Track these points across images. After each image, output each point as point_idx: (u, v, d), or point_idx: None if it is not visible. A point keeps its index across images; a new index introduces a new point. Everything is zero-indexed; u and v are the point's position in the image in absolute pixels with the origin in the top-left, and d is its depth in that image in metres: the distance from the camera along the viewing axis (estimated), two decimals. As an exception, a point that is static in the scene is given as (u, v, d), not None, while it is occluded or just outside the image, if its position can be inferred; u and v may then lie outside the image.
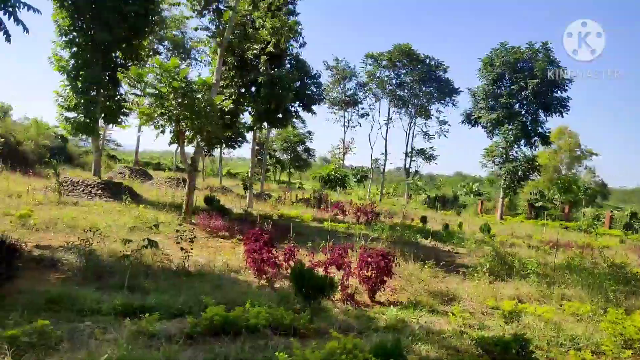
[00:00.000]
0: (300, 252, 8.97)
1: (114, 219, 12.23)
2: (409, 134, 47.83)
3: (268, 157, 60.31)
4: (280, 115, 23.30)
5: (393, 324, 6.19)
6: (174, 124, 14.20)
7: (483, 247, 15.25)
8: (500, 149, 35.57)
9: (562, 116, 34.84)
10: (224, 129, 19.42)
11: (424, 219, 22.26)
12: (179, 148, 15.54)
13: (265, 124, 25.45)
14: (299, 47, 24.77)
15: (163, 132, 14.62)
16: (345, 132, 49.24)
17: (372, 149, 51.54)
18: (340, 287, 7.27)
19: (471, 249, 14.48)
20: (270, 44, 19.90)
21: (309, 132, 60.87)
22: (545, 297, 8.81)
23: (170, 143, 16.20)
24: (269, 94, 21.19)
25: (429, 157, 45.89)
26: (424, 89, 46.50)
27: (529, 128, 35.60)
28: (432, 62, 45.91)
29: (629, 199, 71.78)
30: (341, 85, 48.04)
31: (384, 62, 46.29)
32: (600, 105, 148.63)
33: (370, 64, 46.92)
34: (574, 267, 10.87)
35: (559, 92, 34.87)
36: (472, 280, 9.65)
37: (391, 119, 48.46)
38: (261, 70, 21.33)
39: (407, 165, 46.61)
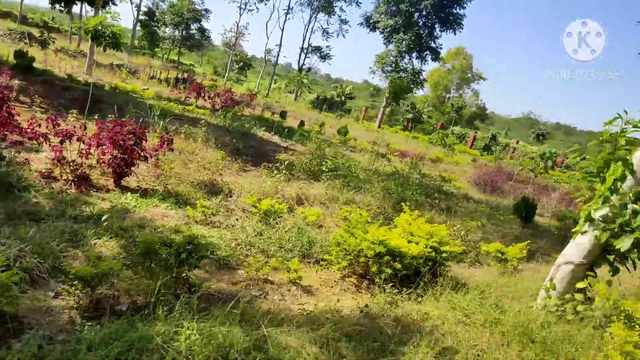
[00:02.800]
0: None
1: None
2: (307, 29, 45.38)
3: (156, 30, 54.76)
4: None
5: (102, 212, 5.16)
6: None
7: (323, 147, 14.83)
8: (392, 57, 35.09)
9: (455, 33, 34.78)
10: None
11: (283, 114, 21.34)
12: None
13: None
14: None
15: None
16: (240, 15, 45.28)
17: (267, 38, 48.75)
18: (68, 165, 6.02)
19: (309, 148, 13.86)
20: None
21: (206, 10, 55.61)
22: (333, 200, 8.38)
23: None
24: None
25: (325, 56, 44.28)
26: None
27: (423, 41, 35.28)
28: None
29: (511, 126, 77.61)
30: (241, -39, 43.15)
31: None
32: (494, 31, 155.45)
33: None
34: (380, 173, 10.68)
35: (457, 8, 34.48)
36: (270, 176, 8.92)
37: (292, 8, 45.29)
38: None
39: (301, 62, 44.79)
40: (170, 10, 53.70)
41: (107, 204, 5.74)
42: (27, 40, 24.68)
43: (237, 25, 44.53)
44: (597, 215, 4.50)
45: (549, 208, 13.24)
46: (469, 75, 59.45)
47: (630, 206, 4.22)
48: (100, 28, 13.14)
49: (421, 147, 28.12)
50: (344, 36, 50.65)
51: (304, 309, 3.91)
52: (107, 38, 12.99)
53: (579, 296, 4.67)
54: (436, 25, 34.82)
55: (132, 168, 6.56)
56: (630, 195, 4.25)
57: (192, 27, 55.21)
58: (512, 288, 5.59)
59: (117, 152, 6.32)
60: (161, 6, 55.60)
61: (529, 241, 7.33)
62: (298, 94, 43.60)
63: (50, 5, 21.68)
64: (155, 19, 54.28)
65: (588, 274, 4.73)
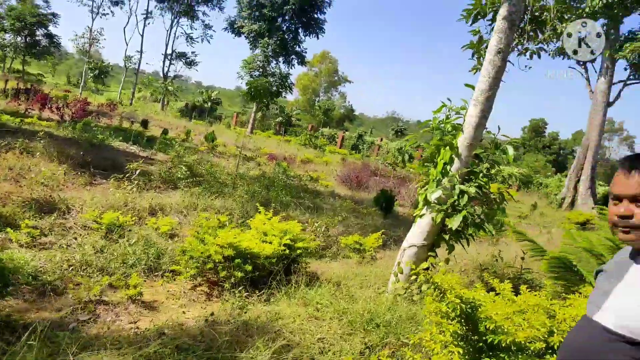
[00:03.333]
0: None
1: None
2: (170, 34, 43.49)
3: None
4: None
5: None
6: None
7: (187, 154, 14.19)
8: (259, 62, 35.11)
9: (318, 38, 36.03)
10: None
11: (144, 123, 20.13)
12: None
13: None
14: None
15: None
16: (93, 20, 41.71)
17: (127, 45, 45.51)
18: None
19: (170, 156, 13.12)
20: None
21: (54, 15, 50.25)
22: (192, 207, 7.95)
23: None
24: None
25: (190, 63, 42.80)
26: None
27: (288, 45, 35.91)
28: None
29: (378, 125, 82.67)
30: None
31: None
32: (358, 36, 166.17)
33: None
34: (247, 177, 10.50)
35: (318, 13, 35.74)
36: (118, 187, 8.16)
37: (151, 13, 43.04)
38: None
39: (166, 69, 42.75)
40: (9, 15, 47.53)
41: None
42: None
43: (90, 31, 40.91)
44: (432, 198, 4.78)
45: (408, 198, 14.19)
46: (336, 78, 62.02)
47: (457, 187, 4.54)
48: None
49: (293, 150, 28.57)
50: (208, 42, 49.41)
51: (137, 327, 3.52)
52: None
53: (422, 276, 4.92)
54: (299, 30, 35.75)
55: None
56: (457, 176, 4.58)
57: (38, 33, 49.51)
58: (368, 276, 5.74)
59: None
60: (-3, 10, 49.08)
61: (383, 230, 7.67)
62: (165, 102, 41.54)
63: None
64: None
65: (429, 255, 5.02)
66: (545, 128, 66.03)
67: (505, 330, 2.02)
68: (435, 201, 4.77)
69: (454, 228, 4.51)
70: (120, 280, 4.35)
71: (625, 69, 18.88)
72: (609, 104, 20.02)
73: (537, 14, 4.91)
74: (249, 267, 4.47)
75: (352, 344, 3.55)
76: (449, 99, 4.67)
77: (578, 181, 22.21)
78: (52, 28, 50.30)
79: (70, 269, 4.60)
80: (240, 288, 4.41)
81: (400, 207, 13.15)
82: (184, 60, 42.99)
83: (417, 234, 5.08)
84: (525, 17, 4.84)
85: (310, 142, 27.14)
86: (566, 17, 4.92)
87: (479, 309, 2.15)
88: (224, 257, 4.48)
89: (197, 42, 43.50)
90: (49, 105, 18.00)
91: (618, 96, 20.41)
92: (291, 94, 36.73)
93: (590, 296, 1.59)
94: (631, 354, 1.33)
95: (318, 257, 6.97)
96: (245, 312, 4.06)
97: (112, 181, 8.48)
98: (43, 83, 44.11)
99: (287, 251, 5.00)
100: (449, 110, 4.73)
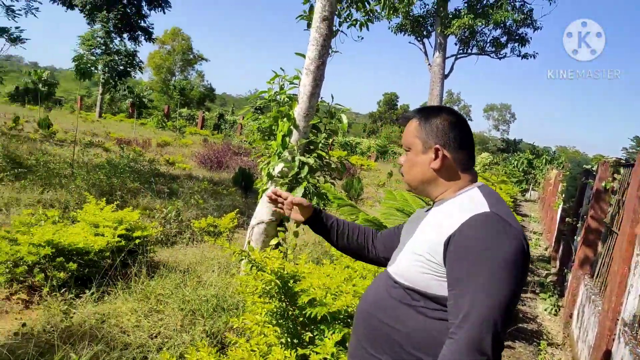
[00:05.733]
0: None
1: None
2: (-14, 6, 37.23)
3: None
4: None
5: None
6: None
7: (15, 145, 12.37)
8: (99, 39, 31.79)
9: (164, 12, 33.74)
10: None
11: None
12: None
13: None
14: None
15: None
16: None
17: None
18: None
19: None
20: None
21: None
22: (12, 203, 6.87)
23: None
24: None
25: (15, 39, 37.11)
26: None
27: (132, 20, 33.06)
28: None
29: (241, 104, 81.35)
30: None
31: None
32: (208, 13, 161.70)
33: None
34: (90, 165, 9.47)
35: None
36: None
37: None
38: None
39: (-15, 47, 36.62)
40: None
41: None
42: None
43: None
44: (275, 171, 4.69)
45: (269, 175, 14.13)
46: (191, 57, 59.20)
47: (297, 158, 4.50)
48: None
49: (149, 133, 26.77)
50: (34, 15, 43.48)
51: None
52: None
53: (274, 252, 4.86)
54: (142, 3, 33.08)
55: None
56: (296, 148, 4.54)
57: None
58: (220, 260, 5.52)
59: None
60: None
61: (240, 209, 7.48)
62: (-13, 86, 35.63)
63: None
64: None
65: (279, 230, 4.96)
66: (398, 101, 71.33)
67: (323, 302, 1.98)
68: (279, 174, 4.69)
69: (297, 200, 4.47)
70: None
71: (456, 44, 20.97)
72: (444, 77, 22.16)
73: (363, -16, 5.00)
74: (73, 266, 3.95)
75: (193, 334, 3.33)
76: (282, 69, 4.57)
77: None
78: None
79: None
80: (63, 290, 3.88)
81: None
82: (7, 37, 37.12)
83: (264, 209, 4.97)
84: (353, -14, 4.91)
85: (162, 124, 25.57)
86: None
87: (297, 283, 2.07)
88: (42, 257, 3.88)
89: (20, 14, 37.86)
90: None
91: (452, 69, 22.68)
92: (141, 73, 34.13)
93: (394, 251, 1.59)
94: (407, 300, 1.35)
95: (169, 245, 6.55)
96: (71, 317, 3.58)
97: None
98: None
99: (123, 242, 4.54)
100: (281, 80, 4.63)
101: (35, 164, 9.62)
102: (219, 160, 16.37)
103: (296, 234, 4.95)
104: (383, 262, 1.76)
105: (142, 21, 33.30)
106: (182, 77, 57.11)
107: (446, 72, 23.06)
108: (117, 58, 31.50)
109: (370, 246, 1.80)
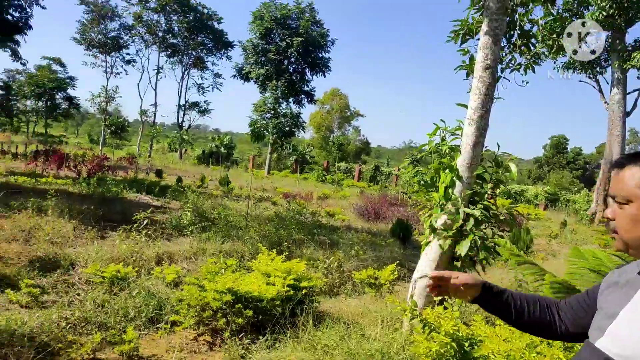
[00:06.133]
0: None
1: None
2: (182, 86, 44.81)
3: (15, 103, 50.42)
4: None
5: None
6: None
7: (202, 201, 14.22)
8: (269, 105, 35.71)
9: (325, 76, 36.58)
10: None
11: (159, 173, 20.42)
12: None
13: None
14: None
15: None
16: (108, 79, 43.30)
17: (141, 99, 46.83)
18: None
19: (182, 203, 13.14)
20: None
21: (71, 78, 52.42)
22: (199, 253, 7.83)
23: None
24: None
25: (204, 111, 43.85)
26: (197, 38, 43.71)
27: (297, 85, 36.55)
28: (205, 11, 43.44)
29: (396, 156, 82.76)
30: (102, 26, 41.66)
31: (151, 5, 41.60)
32: (367, 70, 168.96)
33: (134, 4, 41.66)
34: (260, 218, 10.38)
35: (322, 52, 36.43)
36: (122, 238, 8.10)
37: (162, 68, 44.53)
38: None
39: (181, 119, 43.81)
40: (29, 82, 49.79)
41: None
42: None
43: (106, 90, 42.37)
44: (437, 224, 4.56)
45: (427, 226, 13.80)
46: (348, 113, 62.57)
47: (461, 210, 4.32)
48: None
49: (310, 187, 28.54)
50: (219, 90, 50.88)
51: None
52: None
53: (439, 308, 4.64)
54: (306, 70, 36.43)
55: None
56: (460, 199, 4.37)
57: (57, 96, 51.64)
58: (383, 313, 5.46)
59: None
60: (18, 78, 51.51)
61: (400, 261, 7.39)
62: (183, 151, 42.35)
63: None
64: (13, 92, 49.91)
65: (442, 284, 4.74)
66: (567, 144, 64.89)
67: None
68: (441, 227, 4.55)
69: (463, 254, 4.26)
70: (115, 336, 4.19)
71: (638, 78, 18.53)
72: (626, 114, 19.62)
73: (526, 28, 4.78)
74: (249, 312, 4.28)
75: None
76: (442, 120, 4.53)
77: (606, 195, 21.51)
78: (70, 91, 52.49)
79: (68, 326, 4.48)
80: (241, 335, 4.20)
81: (421, 235, 12.78)
82: (197, 110, 44.06)
83: (426, 263, 4.83)
84: (515, 31, 4.73)
85: (322, 177, 27.06)
86: (557, 30, 4.79)
87: (476, 348, 1.92)
88: (224, 303, 4.30)
89: (208, 91, 44.74)
90: (67, 164, 18.47)
91: (635, 105, 20.01)
92: (304, 132, 37.10)
93: (594, 318, 1.37)
94: None
95: (332, 295, 6.73)
96: (248, 361, 3.84)
97: (120, 232, 8.46)
98: (65, 144, 45.68)
99: (292, 292, 4.80)
100: (443, 132, 4.57)
101: (217, 218, 10.89)
102: (376, 211, 16.57)
103: (462, 290, 4.66)
104: (572, 339, 1.53)
105: (306, 86, 36.55)
106: (339, 133, 60.49)
107: (628, 110, 20.45)
108: (283, 120, 34.81)
109: (557, 321, 1.56)
